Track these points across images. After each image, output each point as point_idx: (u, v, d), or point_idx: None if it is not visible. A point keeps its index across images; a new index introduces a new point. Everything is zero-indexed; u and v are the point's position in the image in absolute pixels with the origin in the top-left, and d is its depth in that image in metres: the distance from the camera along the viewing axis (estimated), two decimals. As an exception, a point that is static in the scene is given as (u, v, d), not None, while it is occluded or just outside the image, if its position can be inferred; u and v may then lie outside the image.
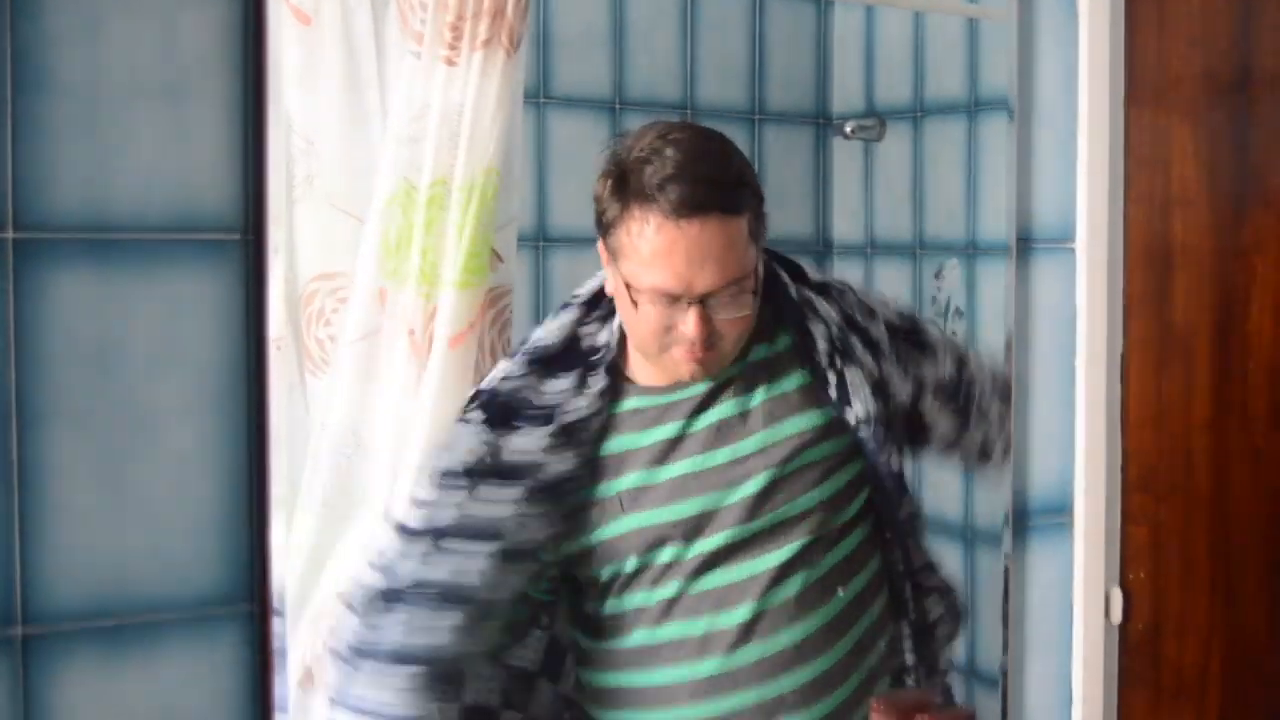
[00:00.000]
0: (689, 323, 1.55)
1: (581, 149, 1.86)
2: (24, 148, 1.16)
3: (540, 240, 1.81)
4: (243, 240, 1.25)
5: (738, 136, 1.77)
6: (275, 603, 1.41)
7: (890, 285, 1.99)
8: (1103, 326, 1.78)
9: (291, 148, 1.55)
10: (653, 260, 1.53)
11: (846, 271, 2.01)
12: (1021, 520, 1.77)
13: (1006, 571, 1.76)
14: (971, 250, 1.95)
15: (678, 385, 1.61)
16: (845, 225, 1.91)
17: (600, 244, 1.60)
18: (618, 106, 1.87)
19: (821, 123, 2.01)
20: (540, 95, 1.76)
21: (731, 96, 1.96)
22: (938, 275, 1.97)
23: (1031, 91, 1.76)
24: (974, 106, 1.94)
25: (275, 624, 1.37)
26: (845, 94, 2.02)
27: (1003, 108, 1.78)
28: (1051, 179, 1.77)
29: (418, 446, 1.61)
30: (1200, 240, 1.87)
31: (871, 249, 2.00)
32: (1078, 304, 1.77)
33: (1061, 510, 1.79)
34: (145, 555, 1.22)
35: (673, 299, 1.54)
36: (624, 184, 1.54)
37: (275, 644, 1.34)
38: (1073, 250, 1.77)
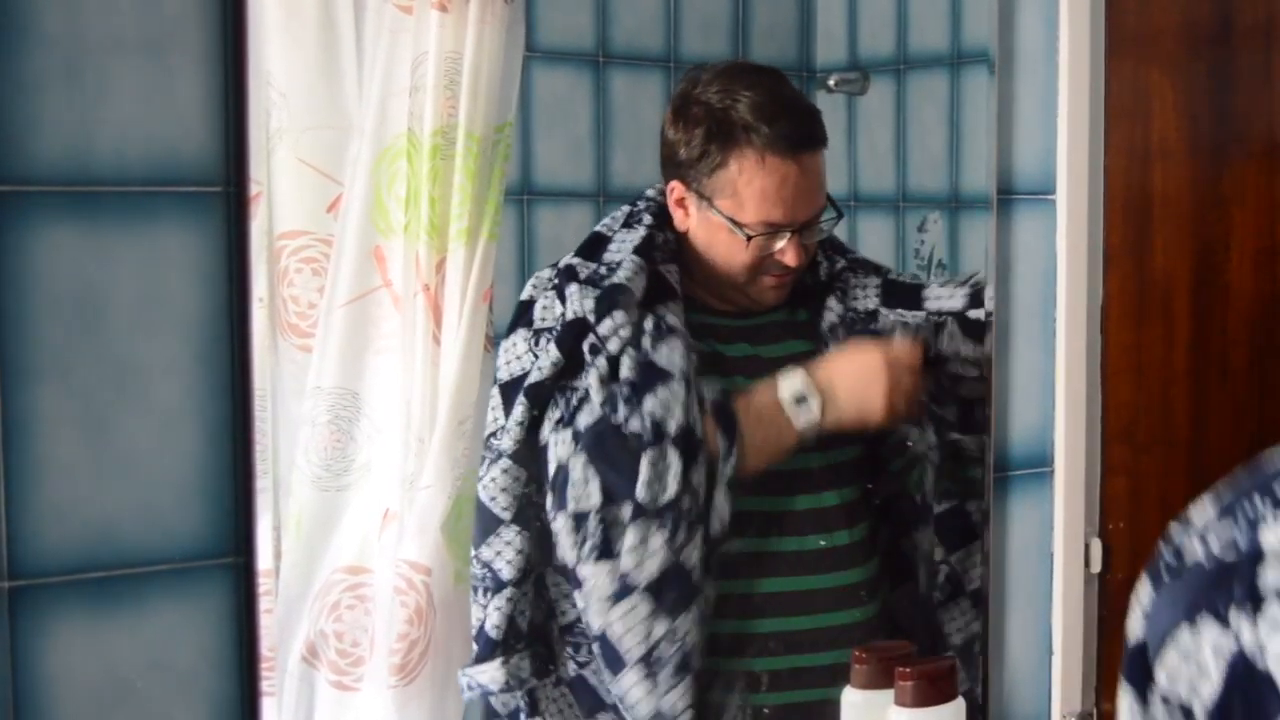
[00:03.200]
0: (789, 251, 1.66)
1: (565, 103, 1.86)
2: (4, 101, 1.15)
3: (525, 194, 1.82)
4: (224, 193, 1.25)
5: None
6: (267, 565, 1.43)
7: (873, 238, 2.00)
8: (1083, 278, 1.78)
9: (268, 100, 1.55)
10: (763, 195, 1.63)
11: (830, 225, 2.01)
12: (1001, 471, 1.78)
13: (987, 522, 1.77)
14: (954, 204, 1.96)
15: (740, 313, 1.72)
16: (829, 178, 1.91)
17: (675, 185, 1.67)
18: (601, 60, 1.87)
19: (805, 75, 2.01)
20: (524, 49, 1.76)
21: (715, 49, 1.97)
22: (921, 228, 1.98)
23: (1012, 44, 1.75)
24: (956, 60, 1.94)
25: (265, 584, 1.39)
26: (829, 47, 2.02)
27: (985, 61, 1.78)
28: (1032, 131, 1.76)
29: (444, 401, 1.62)
30: (1180, 191, 1.88)
31: (855, 202, 2.01)
32: (1058, 255, 1.78)
33: (1041, 461, 1.80)
34: (131, 509, 1.22)
35: (775, 229, 1.63)
36: (724, 125, 1.63)
37: (264, 603, 1.35)
38: (1053, 202, 1.78)
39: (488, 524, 1.65)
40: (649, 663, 1.59)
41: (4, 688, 1.17)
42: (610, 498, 1.58)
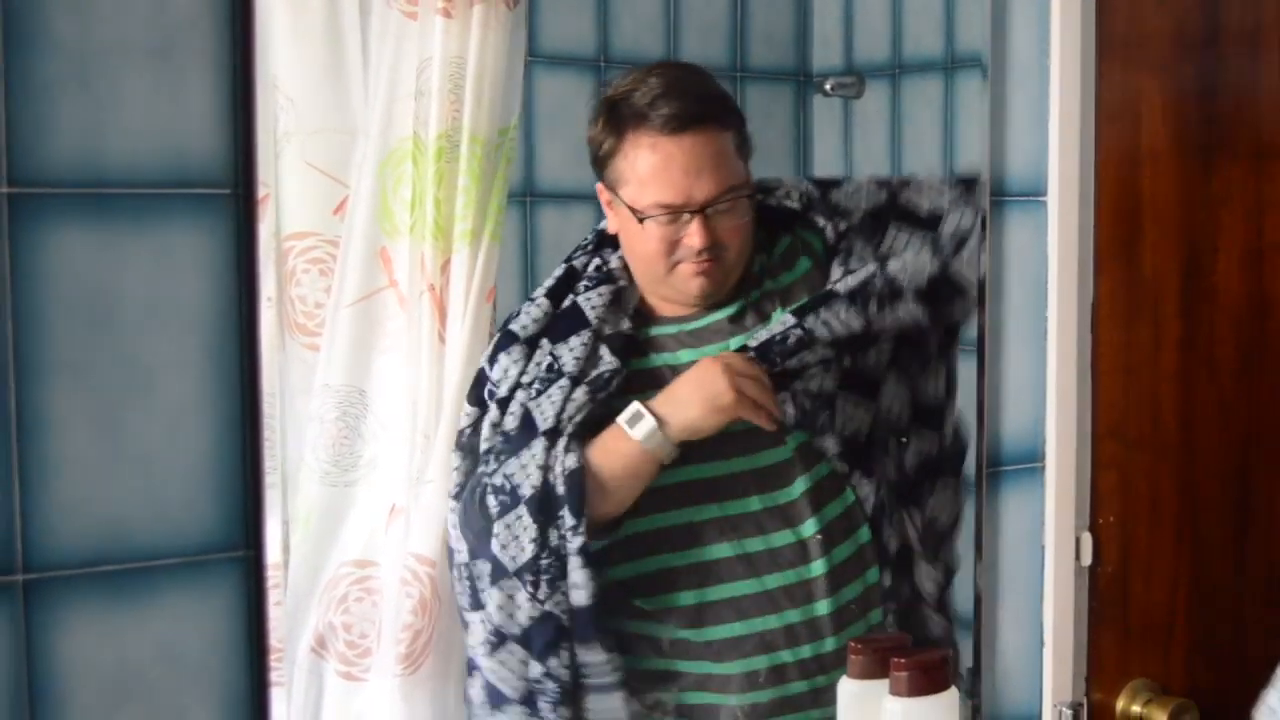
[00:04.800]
0: (692, 233, 1.63)
1: (567, 106, 1.88)
2: (17, 105, 1.17)
3: (528, 196, 1.83)
4: (233, 194, 1.26)
5: (719, 94, 1.78)
6: (276, 558, 1.44)
7: (869, 239, 2.00)
8: (1073, 278, 1.79)
9: (275, 105, 1.56)
10: (652, 176, 1.61)
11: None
12: (994, 466, 1.80)
13: (979, 516, 1.79)
14: (949, 205, 1.97)
15: (695, 314, 1.69)
16: (822, 172, 1.93)
17: (600, 187, 1.68)
18: (602, 64, 1.89)
19: (802, 80, 2.02)
20: (526, 53, 1.78)
21: (714, 54, 1.97)
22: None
23: (1005, 49, 1.77)
24: (950, 64, 1.95)
25: (274, 577, 1.40)
26: (825, 52, 2.03)
27: (978, 65, 1.79)
28: (1024, 135, 1.78)
29: (449, 398, 1.65)
30: (1169, 194, 1.89)
31: (851, 204, 2.02)
32: (1049, 256, 1.79)
33: (1033, 457, 1.81)
34: (143, 503, 1.24)
35: (675, 213, 1.62)
36: (616, 114, 1.64)
37: (273, 596, 1.37)
38: (1044, 204, 1.79)
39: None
40: (528, 701, 1.62)
41: (19, 678, 1.19)
42: (474, 555, 1.61)
